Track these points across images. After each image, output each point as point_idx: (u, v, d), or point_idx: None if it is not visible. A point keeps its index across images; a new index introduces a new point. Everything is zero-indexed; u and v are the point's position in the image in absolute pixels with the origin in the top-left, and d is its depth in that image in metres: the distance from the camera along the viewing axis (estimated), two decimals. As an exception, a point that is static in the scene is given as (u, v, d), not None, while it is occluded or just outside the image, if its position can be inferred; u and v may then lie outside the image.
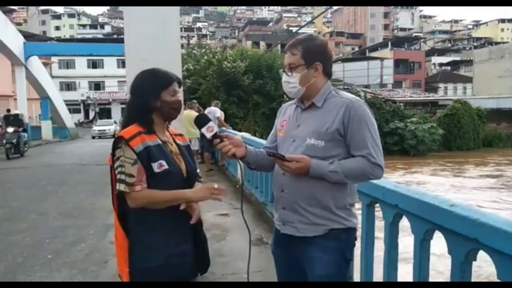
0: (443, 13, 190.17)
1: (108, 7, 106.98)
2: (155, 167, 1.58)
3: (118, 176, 1.57)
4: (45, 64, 26.17)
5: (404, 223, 2.11)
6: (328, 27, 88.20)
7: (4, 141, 12.89)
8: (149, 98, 1.64)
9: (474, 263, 1.67)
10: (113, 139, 1.65)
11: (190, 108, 9.09)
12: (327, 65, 1.71)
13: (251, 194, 5.67)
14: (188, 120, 6.43)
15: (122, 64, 37.54)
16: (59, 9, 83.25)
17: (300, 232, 1.67)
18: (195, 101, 10.62)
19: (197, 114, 8.69)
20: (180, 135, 1.84)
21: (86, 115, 47.53)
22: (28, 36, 23.47)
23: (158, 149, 1.62)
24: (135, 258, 1.60)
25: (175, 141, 1.76)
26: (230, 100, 18.29)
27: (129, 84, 1.74)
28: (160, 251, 1.59)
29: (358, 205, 1.91)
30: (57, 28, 75.42)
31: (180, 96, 1.81)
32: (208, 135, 1.64)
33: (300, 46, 1.68)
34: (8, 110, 14.75)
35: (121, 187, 1.55)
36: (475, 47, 62.48)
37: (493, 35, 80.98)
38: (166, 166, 1.60)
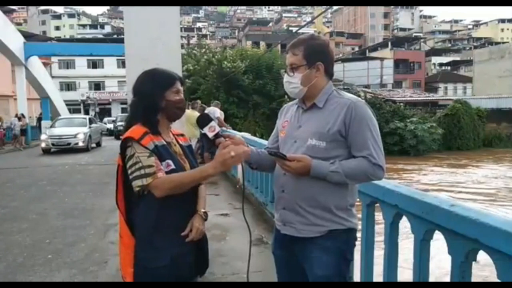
0: (443, 13, 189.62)
1: (108, 7, 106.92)
2: (164, 166, 1.58)
3: (135, 174, 1.54)
4: (45, 64, 26.14)
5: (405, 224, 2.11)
6: (328, 27, 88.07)
7: None
8: (153, 99, 1.64)
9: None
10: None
11: (192, 108, 9.12)
12: (328, 65, 1.71)
13: (251, 194, 5.67)
14: (188, 119, 6.45)
15: (122, 64, 37.49)
16: (59, 9, 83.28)
17: (300, 233, 1.67)
18: (199, 101, 10.61)
19: (198, 114, 8.72)
20: (182, 135, 1.84)
21: (86, 115, 47.53)
22: (28, 36, 23.47)
23: (164, 149, 1.62)
24: (142, 258, 1.60)
25: (178, 142, 1.76)
26: (230, 100, 18.28)
27: (129, 84, 1.73)
28: (166, 251, 1.59)
29: (358, 205, 1.90)
30: (57, 28, 75.36)
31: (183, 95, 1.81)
32: (210, 134, 1.63)
33: (302, 46, 1.67)
34: None
35: (143, 181, 1.53)
36: (475, 47, 62.42)
37: (493, 35, 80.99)
38: (173, 166, 1.60)
